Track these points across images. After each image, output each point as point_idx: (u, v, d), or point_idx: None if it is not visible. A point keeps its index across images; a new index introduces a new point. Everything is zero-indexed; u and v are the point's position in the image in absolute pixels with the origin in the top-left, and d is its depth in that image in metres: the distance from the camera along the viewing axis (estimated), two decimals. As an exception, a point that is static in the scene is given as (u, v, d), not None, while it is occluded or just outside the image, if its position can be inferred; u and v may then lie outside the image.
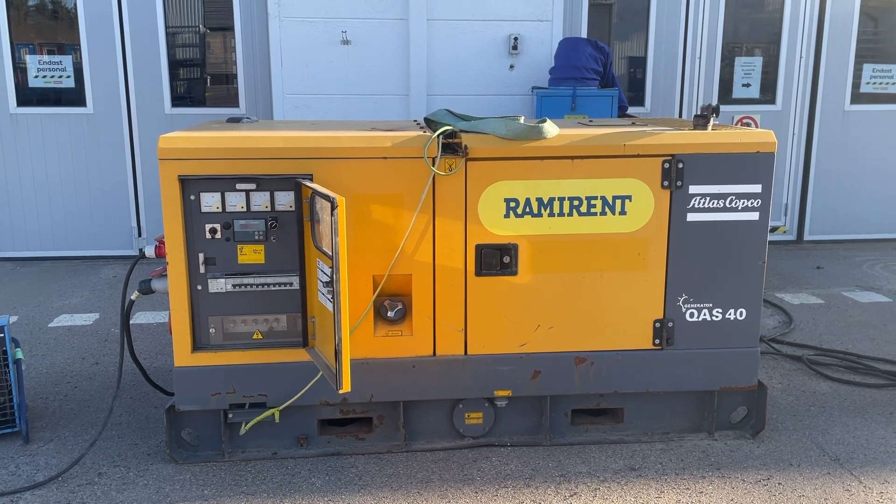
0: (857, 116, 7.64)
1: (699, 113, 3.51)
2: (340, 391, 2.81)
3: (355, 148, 3.18)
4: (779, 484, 3.24)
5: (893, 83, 7.66)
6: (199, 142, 3.13)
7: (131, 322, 5.21)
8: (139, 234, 7.13)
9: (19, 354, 3.54)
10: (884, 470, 3.36)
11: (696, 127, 3.50)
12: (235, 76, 7.08)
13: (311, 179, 3.12)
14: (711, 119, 3.48)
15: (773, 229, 7.73)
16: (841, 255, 7.29)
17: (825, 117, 7.61)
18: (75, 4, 6.74)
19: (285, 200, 3.17)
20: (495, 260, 3.32)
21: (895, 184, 7.77)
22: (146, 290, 3.45)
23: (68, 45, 6.87)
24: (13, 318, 5.35)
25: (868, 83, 7.63)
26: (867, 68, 7.59)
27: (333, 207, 2.67)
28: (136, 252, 6.97)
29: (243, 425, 3.34)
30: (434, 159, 3.19)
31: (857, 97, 7.63)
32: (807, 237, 7.83)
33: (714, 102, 3.49)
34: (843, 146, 7.67)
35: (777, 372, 4.45)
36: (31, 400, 4.00)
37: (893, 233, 7.86)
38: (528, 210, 3.29)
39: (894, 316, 5.47)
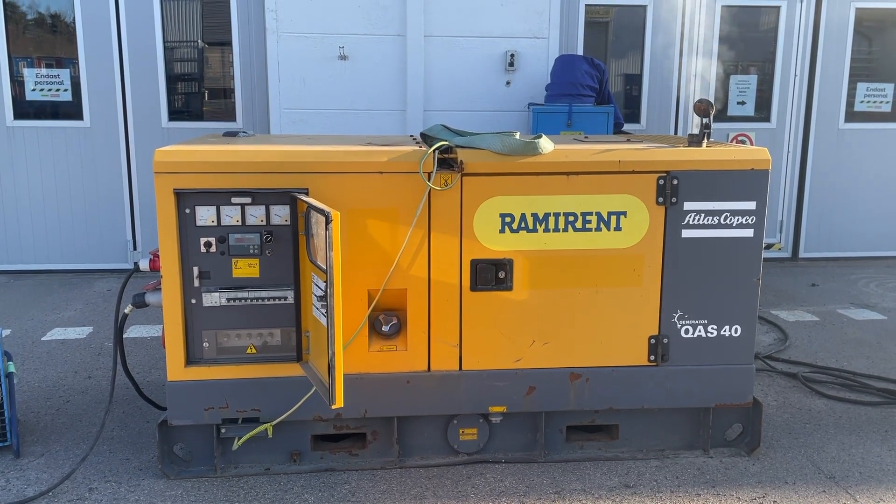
0: (852, 135, 7.68)
1: (696, 128, 3.53)
2: (333, 406, 2.80)
3: (351, 162, 3.19)
4: (774, 502, 3.23)
5: (887, 102, 7.71)
6: (195, 155, 3.13)
7: (125, 336, 5.19)
8: (134, 248, 7.12)
9: (11, 368, 3.52)
10: (879, 488, 3.35)
11: (690, 144, 3.51)
12: (233, 90, 7.10)
13: (307, 194, 3.13)
14: (705, 139, 3.49)
15: (769, 246, 7.75)
16: (836, 273, 7.30)
17: (820, 135, 7.65)
18: (74, 18, 6.77)
19: (281, 214, 3.17)
20: (490, 275, 3.32)
21: (889, 202, 7.81)
22: (140, 303, 3.45)
23: (66, 58, 6.89)
24: (6, 332, 5.33)
25: (862, 102, 7.68)
26: (861, 87, 7.65)
27: (328, 221, 2.67)
28: (130, 265, 6.93)
29: (236, 440, 3.31)
30: (430, 174, 3.19)
31: (852, 115, 7.67)
32: (802, 254, 7.84)
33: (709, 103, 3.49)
34: (838, 164, 7.71)
35: (772, 389, 4.45)
36: (22, 414, 3.97)
37: (888, 250, 7.88)
38: (523, 225, 3.30)
39: (889, 333, 5.48)
